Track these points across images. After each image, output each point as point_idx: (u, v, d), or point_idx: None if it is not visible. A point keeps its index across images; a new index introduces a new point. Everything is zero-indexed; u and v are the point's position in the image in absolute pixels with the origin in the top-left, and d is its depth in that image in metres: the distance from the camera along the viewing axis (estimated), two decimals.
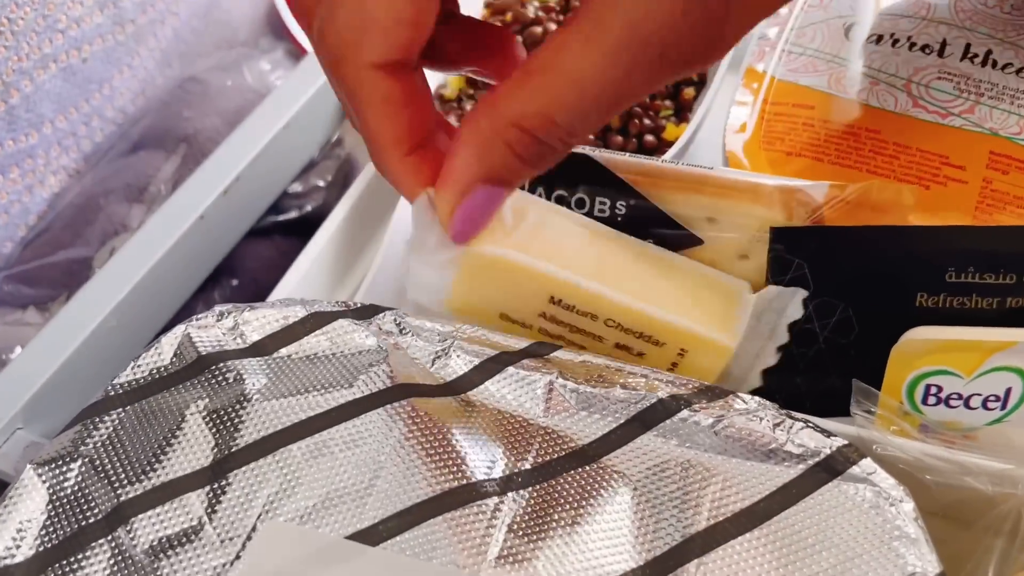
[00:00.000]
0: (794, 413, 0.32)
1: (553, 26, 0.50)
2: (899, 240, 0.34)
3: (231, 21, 0.73)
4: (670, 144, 0.46)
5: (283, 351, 0.33)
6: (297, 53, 0.69)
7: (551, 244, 0.35)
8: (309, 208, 0.59)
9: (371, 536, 0.29)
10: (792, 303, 0.35)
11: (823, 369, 0.37)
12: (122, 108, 0.63)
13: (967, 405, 0.33)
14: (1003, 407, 0.33)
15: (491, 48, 0.33)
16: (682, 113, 0.47)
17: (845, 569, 0.28)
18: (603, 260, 0.35)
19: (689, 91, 0.48)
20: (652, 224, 0.36)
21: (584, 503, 0.30)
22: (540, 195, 0.36)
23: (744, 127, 0.41)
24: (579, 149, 0.36)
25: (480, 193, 0.29)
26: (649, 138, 0.46)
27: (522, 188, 0.36)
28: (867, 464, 0.30)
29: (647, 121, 0.47)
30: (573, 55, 0.25)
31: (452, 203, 0.30)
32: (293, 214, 0.59)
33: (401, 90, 0.28)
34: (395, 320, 0.35)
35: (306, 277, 0.43)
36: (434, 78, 0.52)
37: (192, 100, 0.63)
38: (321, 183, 0.60)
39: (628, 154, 0.37)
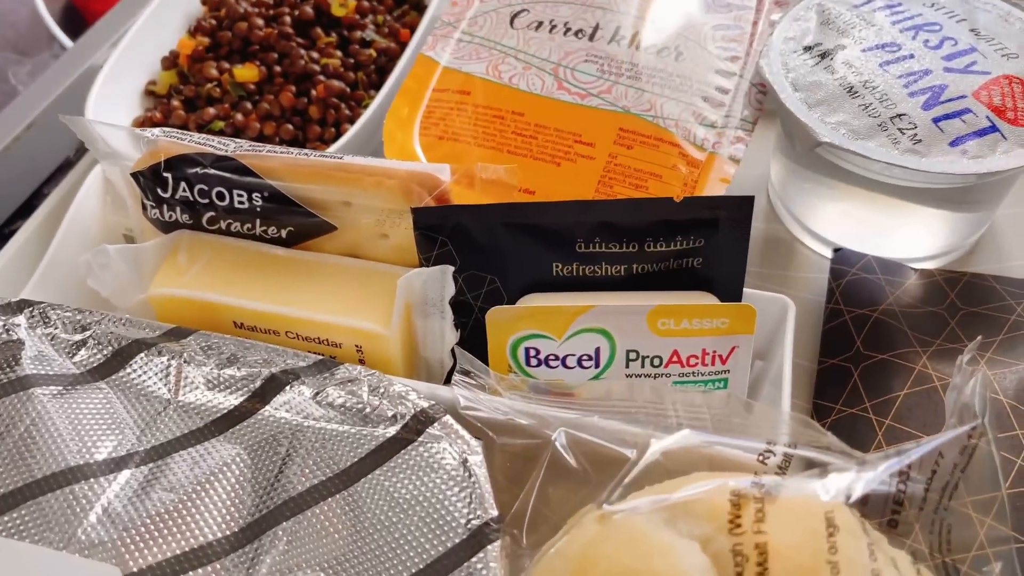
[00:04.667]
0: (396, 379, 0.34)
1: (260, 21, 0.51)
2: (530, 215, 0.36)
3: None
4: None
5: None
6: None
7: (225, 276, 0.39)
8: None
9: None
10: (447, 281, 0.37)
11: (484, 335, 0.39)
12: None
13: (564, 365, 0.36)
14: (597, 365, 0.36)
15: None
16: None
17: (411, 521, 0.31)
18: (271, 280, 0.38)
19: None
20: (289, 212, 0.38)
21: (196, 479, 0.32)
22: (184, 191, 0.38)
23: (405, 114, 0.44)
24: (220, 150, 0.38)
25: None
26: (347, 126, 0.48)
27: (166, 190, 0.38)
28: (446, 422, 0.33)
29: (347, 111, 0.49)
30: None
31: None
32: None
33: None
34: (41, 313, 0.37)
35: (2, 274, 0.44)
36: (145, 73, 0.53)
37: None
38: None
39: (269, 148, 0.39)
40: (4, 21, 0.74)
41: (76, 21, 0.91)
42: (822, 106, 0.40)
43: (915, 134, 0.39)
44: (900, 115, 0.39)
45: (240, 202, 0.38)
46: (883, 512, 0.26)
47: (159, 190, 0.38)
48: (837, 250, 0.45)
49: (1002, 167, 0.38)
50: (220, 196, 0.38)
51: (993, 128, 0.39)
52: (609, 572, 0.26)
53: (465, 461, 0.32)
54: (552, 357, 0.36)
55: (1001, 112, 0.39)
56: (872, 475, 0.26)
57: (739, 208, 0.35)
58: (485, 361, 0.37)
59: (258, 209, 0.38)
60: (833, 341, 0.41)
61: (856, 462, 0.27)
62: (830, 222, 0.45)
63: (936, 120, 0.39)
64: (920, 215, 0.43)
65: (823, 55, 0.42)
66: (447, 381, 0.38)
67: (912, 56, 0.42)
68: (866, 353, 0.39)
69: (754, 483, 0.26)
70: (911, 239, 0.44)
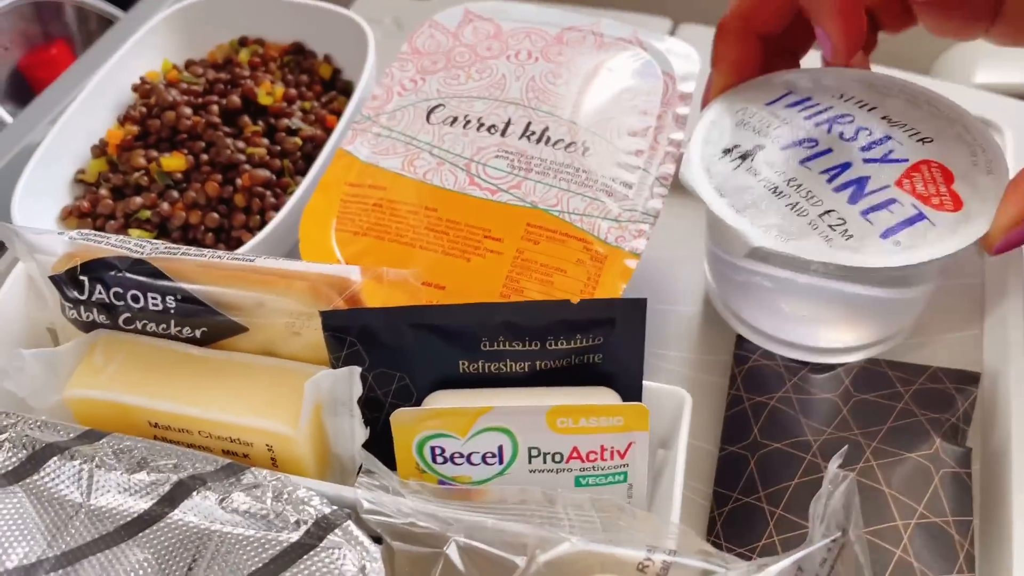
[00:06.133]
0: (301, 482, 0.36)
1: (188, 111, 0.53)
2: (435, 317, 0.38)
3: None
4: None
5: None
6: None
7: (140, 377, 0.39)
8: None
9: None
10: (354, 382, 0.38)
11: None
12: None
13: (469, 462, 0.37)
14: (501, 461, 0.37)
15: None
16: None
17: None
18: (184, 381, 0.39)
19: None
20: (201, 314, 0.39)
21: None
22: (100, 293, 0.39)
23: (322, 209, 0.45)
24: (136, 253, 0.39)
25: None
26: (272, 214, 0.50)
27: (83, 293, 0.39)
28: (347, 528, 0.34)
29: (272, 199, 0.50)
30: None
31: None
32: None
33: None
34: None
35: None
36: (75, 161, 0.54)
37: None
38: None
39: (184, 250, 0.40)
40: None
41: (21, 88, 0.92)
42: (750, 209, 0.42)
43: (846, 229, 0.40)
44: (828, 211, 0.41)
45: (154, 304, 0.39)
46: None
47: (76, 292, 0.39)
48: (741, 337, 0.46)
49: (936, 255, 0.39)
50: (135, 299, 0.39)
51: (921, 216, 0.40)
52: None
53: (364, 568, 0.33)
54: (457, 455, 0.37)
55: (926, 199, 0.40)
56: None
57: (632, 310, 0.37)
58: (395, 457, 0.38)
59: (172, 311, 0.39)
60: (733, 428, 0.43)
61: (725, 572, 0.28)
62: (761, 318, 0.47)
63: (864, 213, 0.40)
64: (852, 309, 0.44)
65: (743, 156, 0.44)
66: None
67: (830, 151, 0.43)
68: (762, 442, 0.41)
69: None
70: (844, 332, 0.46)
